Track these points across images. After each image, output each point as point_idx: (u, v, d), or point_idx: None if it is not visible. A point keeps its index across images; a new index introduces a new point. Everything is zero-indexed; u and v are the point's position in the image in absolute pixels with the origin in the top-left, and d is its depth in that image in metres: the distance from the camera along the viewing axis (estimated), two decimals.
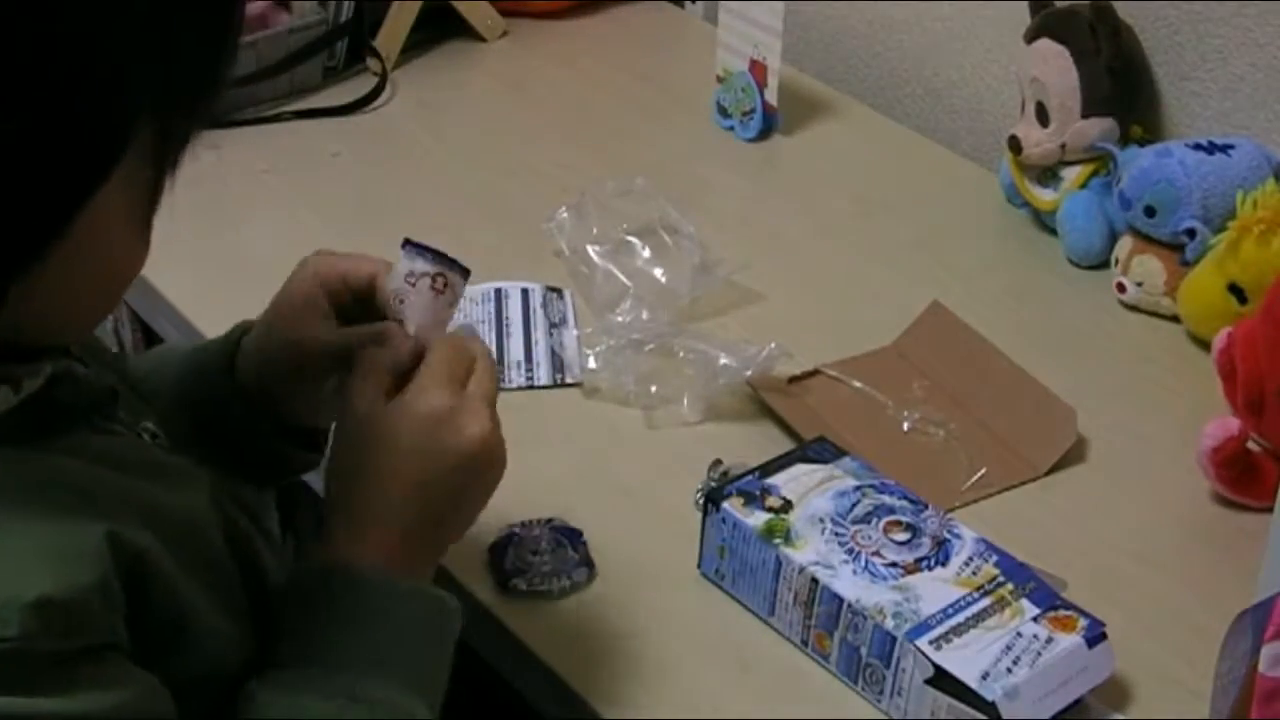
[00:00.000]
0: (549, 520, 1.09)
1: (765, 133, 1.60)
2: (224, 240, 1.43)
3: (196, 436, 0.92)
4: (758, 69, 1.57)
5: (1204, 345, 1.25)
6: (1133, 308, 1.36)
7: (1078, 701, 0.94)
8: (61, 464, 0.74)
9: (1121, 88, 1.41)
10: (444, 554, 0.90)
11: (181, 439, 0.90)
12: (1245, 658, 0.87)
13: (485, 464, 0.87)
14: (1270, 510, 0.97)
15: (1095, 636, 0.94)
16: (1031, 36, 1.44)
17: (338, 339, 0.93)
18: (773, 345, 1.20)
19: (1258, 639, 0.86)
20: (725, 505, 1.02)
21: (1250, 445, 1.14)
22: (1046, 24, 1.43)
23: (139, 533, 0.73)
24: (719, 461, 1.13)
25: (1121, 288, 1.35)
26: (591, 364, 1.23)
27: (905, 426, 1.20)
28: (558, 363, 1.26)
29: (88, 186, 0.70)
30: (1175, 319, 1.33)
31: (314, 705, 0.79)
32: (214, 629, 0.79)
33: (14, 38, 0.65)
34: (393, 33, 1.70)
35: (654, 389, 1.21)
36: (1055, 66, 1.40)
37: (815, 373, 1.25)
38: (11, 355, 0.73)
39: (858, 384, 1.24)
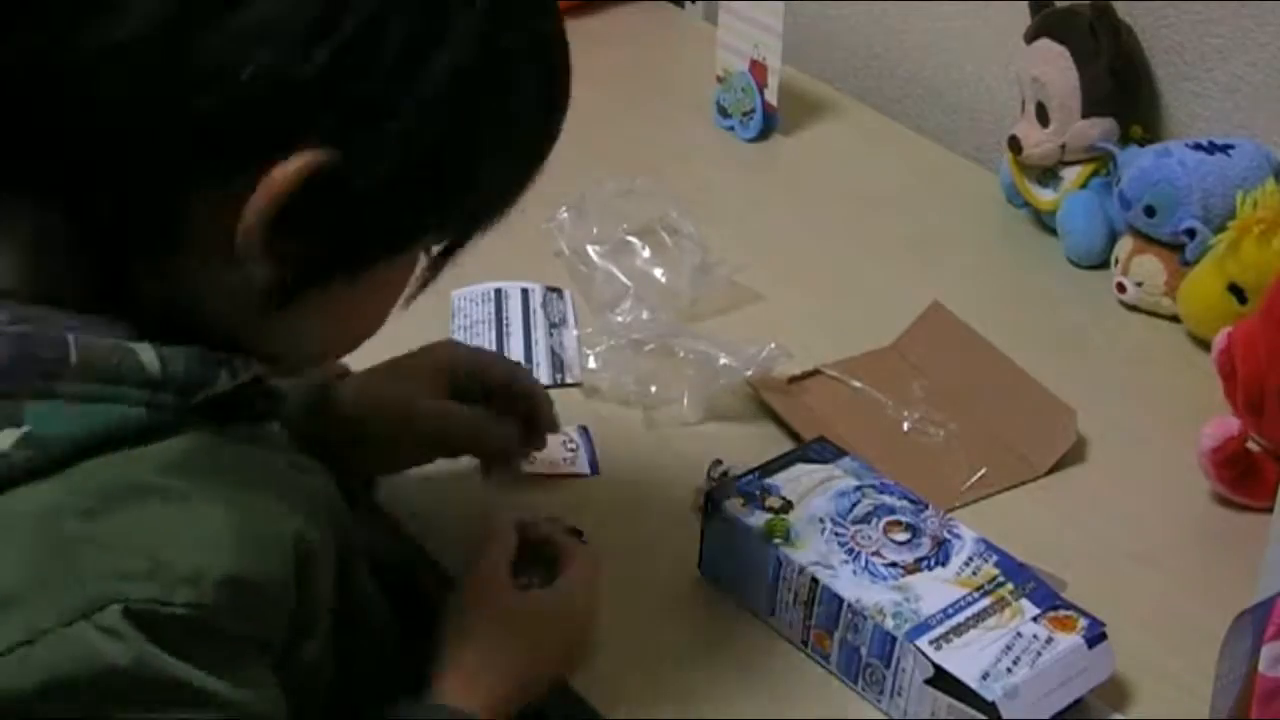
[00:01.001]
0: (551, 520, 1.09)
1: (765, 133, 1.60)
2: None
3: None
4: (758, 69, 1.57)
5: (1204, 345, 1.25)
6: (1133, 308, 1.36)
7: (1078, 701, 0.94)
8: (260, 453, 0.77)
9: (1121, 88, 1.41)
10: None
11: None
12: (1245, 658, 0.87)
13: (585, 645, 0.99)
14: (1270, 510, 0.97)
15: (1095, 636, 0.94)
16: (1031, 36, 1.44)
17: (461, 415, 1.04)
18: (773, 345, 1.21)
19: (1258, 639, 0.86)
20: (725, 505, 1.02)
21: (1250, 445, 1.14)
22: (1046, 24, 1.43)
23: (315, 533, 0.76)
24: (719, 462, 1.13)
25: (1121, 288, 1.35)
26: (591, 364, 1.23)
27: (905, 426, 1.20)
28: (558, 363, 1.26)
29: (400, 244, 0.76)
30: (1175, 319, 1.33)
31: None
32: (321, 647, 0.80)
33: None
34: None
35: (654, 389, 1.21)
36: (1055, 66, 1.40)
37: (815, 373, 1.25)
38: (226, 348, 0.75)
39: (858, 384, 1.24)
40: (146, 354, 0.70)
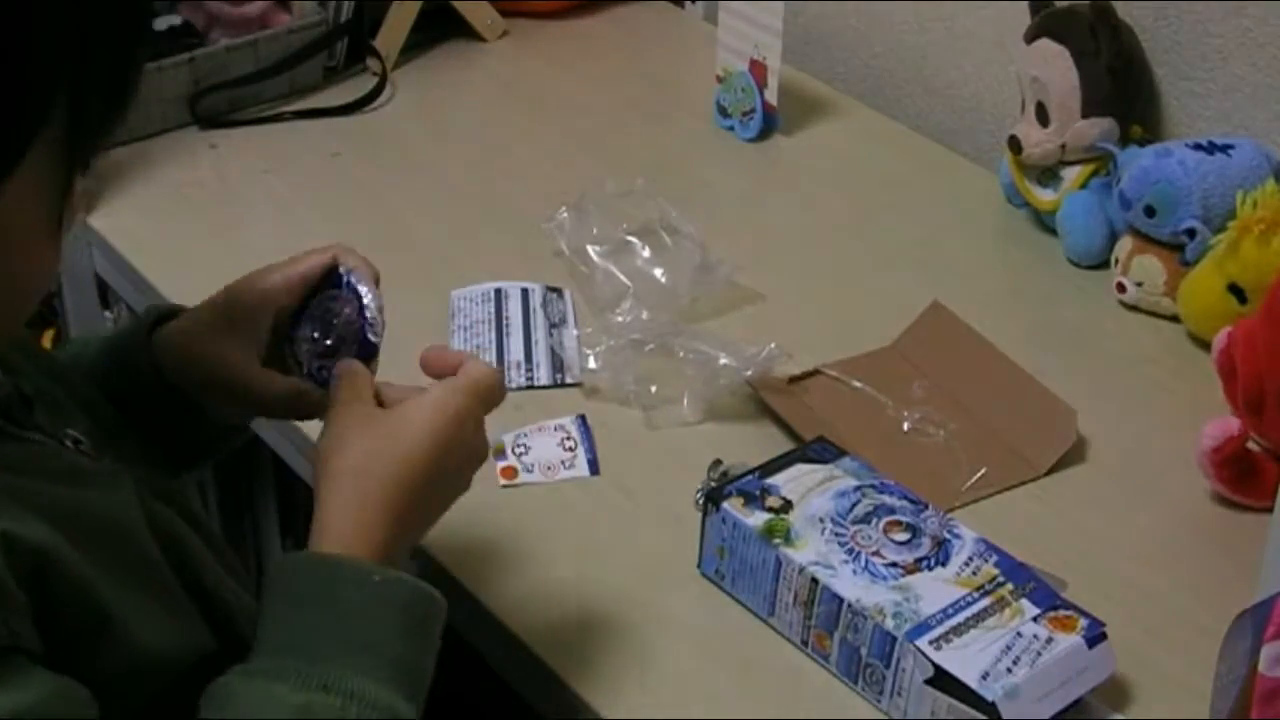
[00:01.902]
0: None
1: (765, 133, 1.60)
2: (224, 240, 1.43)
3: (116, 422, 0.93)
4: (758, 69, 1.57)
5: (1204, 345, 1.25)
6: (1133, 308, 1.35)
7: (1078, 701, 0.94)
8: None
9: (1121, 88, 1.41)
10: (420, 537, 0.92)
11: (105, 427, 0.90)
12: (1245, 658, 0.87)
13: (476, 463, 0.91)
14: (1270, 510, 0.97)
15: (1095, 636, 0.94)
16: (1031, 36, 1.44)
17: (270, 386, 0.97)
18: (773, 345, 1.20)
19: (1258, 639, 0.86)
20: (725, 505, 1.02)
21: (1250, 445, 1.14)
22: (1046, 24, 1.43)
23: (39, 531, 0.73)
24: (719, 461, 1.13)
25: (1121, 288, 1.35)
26: (591, 364, 1.23)
27: (905, 426, 1.20)
28: (558, 363, 1.26)
29: (11, 156, 0.69)
30: (1175, 319, 1.33)
31: (287, 695, 0.77)
32: (147, 626, 0.78)
33: None
34: (393, 33, 1.70)
35: (654, 389, 1.21)
36: (1055, 66, 1.40)
37: (815, 373, 1.25)
38: None
39: (858, 384, 1.24)
40: None
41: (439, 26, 1.76)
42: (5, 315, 0.77)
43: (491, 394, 0.92)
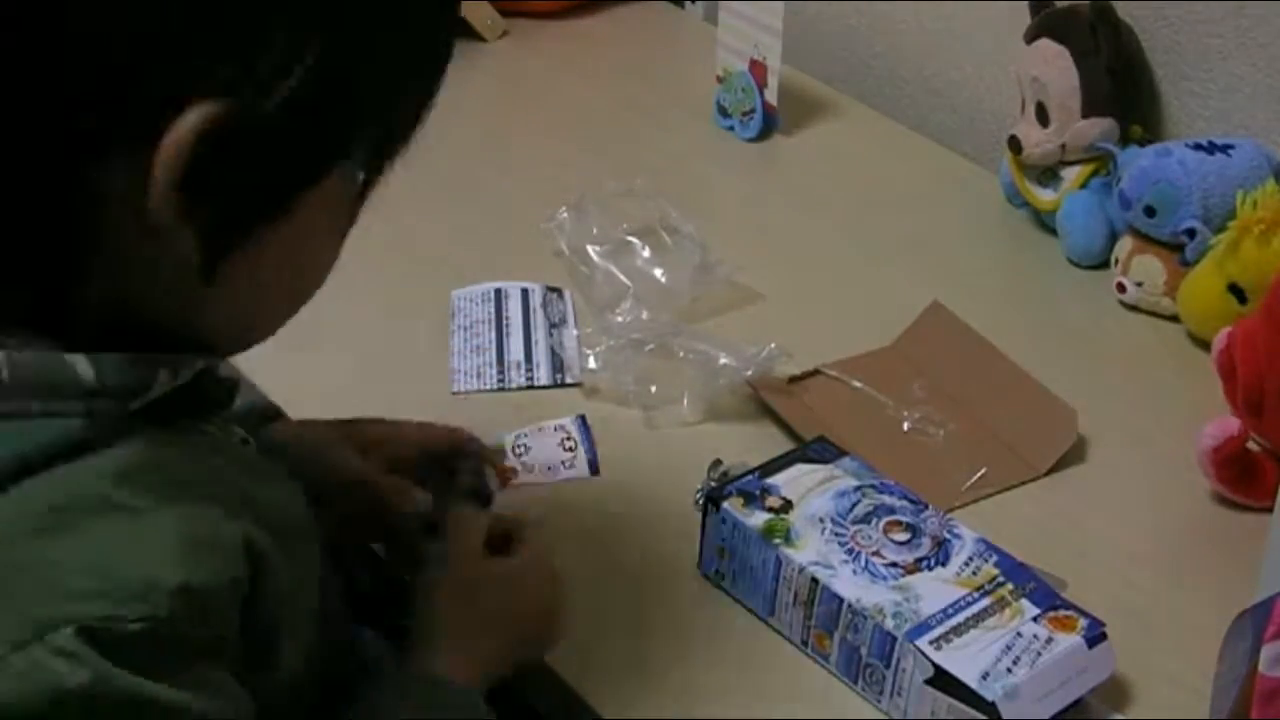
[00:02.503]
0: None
1: (765, 133, 1.60)
2: None
3: None
4: (758, 69, 1.57)
5: (1204, 345, 1.25)
6: (1133, 308, 1.36)
7: (1078, 701, 0.94)
8: (202, 459, 0.74)
9: (1121, 88, 1.41)
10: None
11: None
12: (1245, 658, 0.88)
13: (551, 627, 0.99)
14: (1270, 510, 0.97)
15: (1095, 636, 0.94)
16: (1031, 36, 1.44)
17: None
18: (773, 345, 1.20)
19: (1258, 639, 0.86)
20: (725, 505, 1.02)
21: (1250, 445, 1.14)
22: (1046, 24, 1.43)
23: (263, 536, 0.73)
24: (719, 461, 1.13)
25: (1121, 288, 1.35)
26: (591, 364, 1.23)
27: (905, 426, 1.20)
28: (558, 363, 1.26)
29: (315, 174, 0.72)
30: (1175, 319, 1.33)
31: None
32: (302, 624, 0.79)
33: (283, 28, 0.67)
34: None
35: (654, 389, 1.21)
36: (1055, 66, 1.40)
37: (815, 373, 1.25)
38: (167, 347, 0.73)
39: (858, 384, 1.24)
40: (81, 364, 0.69)
41: None
42: (274, 315, 0.79)
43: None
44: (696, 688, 0.99)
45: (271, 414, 1.02)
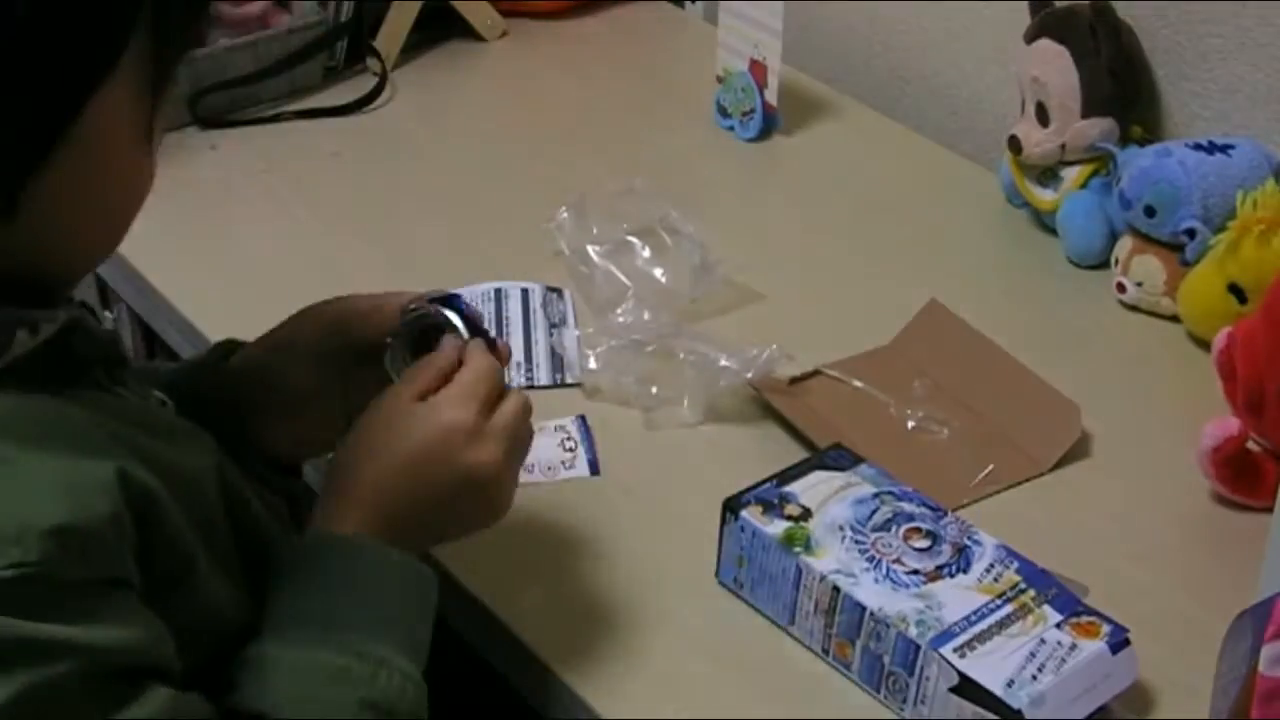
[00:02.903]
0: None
1: (765, 133, 1.60)
2: (224, 240, 1.43)
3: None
4: (758, 69, 1.57)
5: (1204, 345, 1.25)
6: (1133, 308, 1.35)
7: (1102, 708, 0.94)
8: (71, 410, 0.76)
9: (1121, 88, 1.41)
10: (435, 544, 0.94)
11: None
12: (1245, 658, 0.87)
13: (486, 493, 0.91)
14: (1270, 510, 0.97)
15: (1119, 642, 0.94)
16: (1031, 36, 1.44)
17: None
18: (774, 347, 1.20)
19: (1258, 639, 0.86)
20: (744, 514, 1.01)
21: (1250, 445, 1.14)
22: (1046, 24, 1.43)
23: (147, 475, 0.75)
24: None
25: (1121, 288, 1.35)
26: (592, 364, 1.23)
27: (909, 425, 1.20)
28: (558, 363, 1.26)
29: (91, 80, 0.72)
30: (1175, 319, 1.33)
31: (327, 659, 0.82)
32: (211, 584, 0.81)
33: None
34: (393, 33, 1.70)
35: (654, 390, 1.21)
36: (1055, 66, 1.40)
37: (816, 373, 1.25)
38: (28, 299, 0.75)
39: (858, 384, 1.24)
40: None
41: (439, 26, 1.76)
42: (102, 232, 0.80)
43: (488, 396, 0.92)
44: (698, 688, 0.99)
45: (230, 349, 1.03)
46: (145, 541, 0.74)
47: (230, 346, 1.03)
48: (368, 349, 0.97)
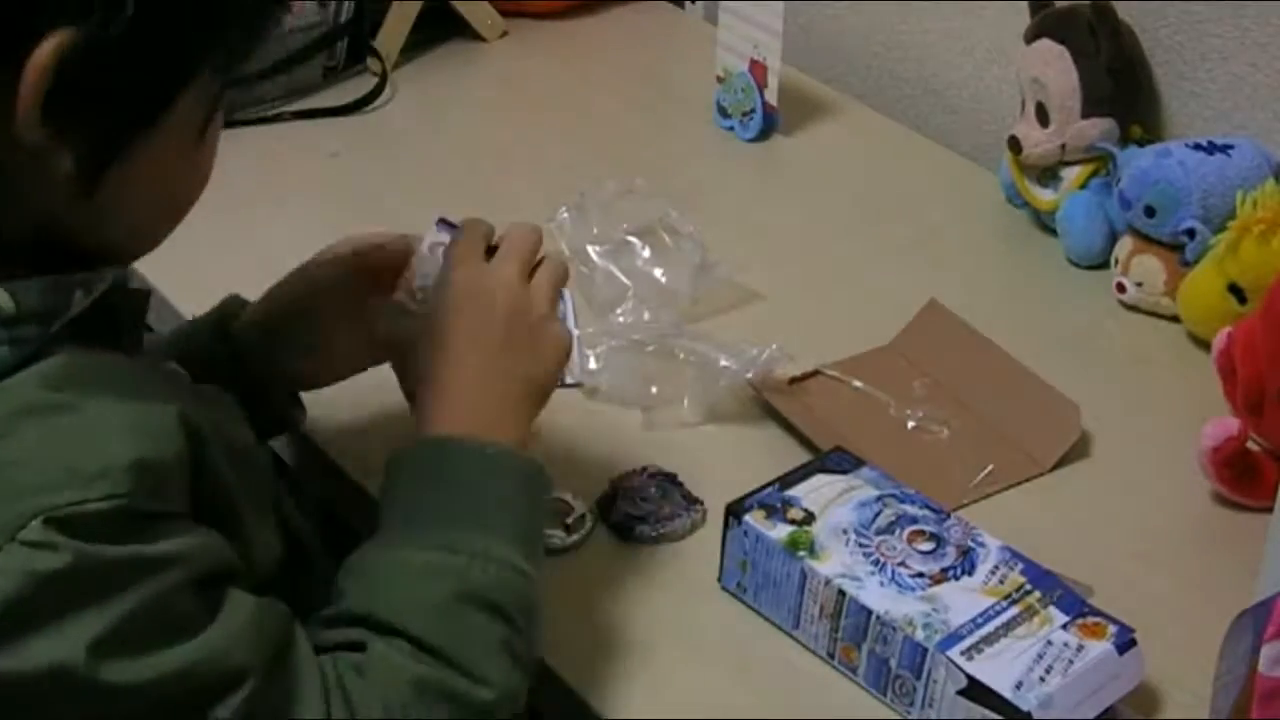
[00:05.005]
0: (644, 469, 1.12)
1: (765, 133, 1.60)
2: (223, 240, 1.43)
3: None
4: (758, 69, 1.57)
5: (1204, 345, 1.25)
6: (1133, 308, 1.35)
7: (1108, 709, 0.94)
8: (123, 360, 0.81)
9: (1121, 88, 1.41)
10: (532, 410, 0.96)
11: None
12: (1245, 658, 0.87)
13: (518, 314, 0.95)
14: (1270, 510, 0.97)
15: (1125, 643, 0.94)
16: (1031, 36, 1.44)
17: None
18: (774, 346, 1.20)
19: (1258, 639, 0.86)
20: (747, 518, 1.01)
21: (1250, 445, 1.14)
22: (1046, 24, 1.43)
23: (198, 415, 0.79)
24: None
25: (1121, 288, 1.35)
26: (592, 364, 1.23)
27: (909, 425, 1.20)
28: None
29: (186, 74, 0.78)
30: (1175, 319, 1.33)
31: (413, 555, 0.85)
32: (259, 532, 0.84)
33: None
34: (393, 33, 1.70)
35: (654, 390, 1.21)
36: (1055, 66, 1.40)
37: (815, 373, 1.25)
38: (77, 264, 0.79)
39: (858, 384, 1.24)
40: (1, 295, 0.74)
41: (439, 26, 1.76)
42: (163, 219, 0.86)
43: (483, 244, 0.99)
44: (696, 688, 0.99)
45: (235, 309, 1.09)
46: (197, 480, 0.78)
47: (233, 307, 1.09)
48: (388, 276, 1.03)
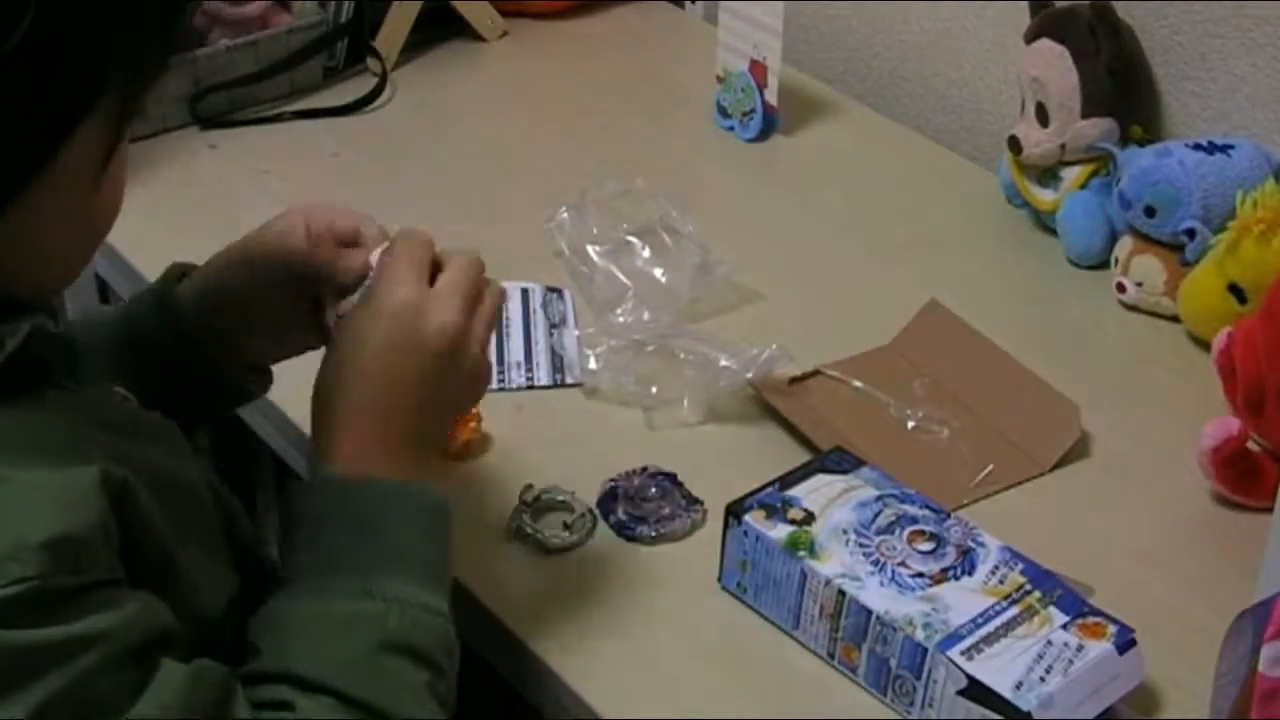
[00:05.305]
0: (644, 469, 1.12)
1: (765, 133, 1.60)
2: (223, 240, 1.42)
3: (137, 383, 0.95)
4: (758, 69, 1.57)
5: (1204, 345, 1.25)
6: (1133, 308, 1.35)
7: (1108, 708, 0.94)
8: (48, 416, 0.77)
9: (1121, 88, 1.41)
10: (439, 442, 0.95)
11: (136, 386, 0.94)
12: (1245, 658, 0.88)
13: (456, 353, 0.90)
14: (1270, 510, 0.97)
15: (1125, 643, 0.94)
16: (1031, 36, 1.44)
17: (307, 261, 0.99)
18: (774, 347, 1.20)
19: (1258, 639, 0.86)
20: (747, 518, 1.01)
21: (1250, 445, 1.14)
22: (1046, 24, 1.43)
23: (123, 471, 0.76)
24: (530, 486, 1.11)
25: (1121, 288, 1.35)
26: (592, 364, 1.23)
27: (909, 425, 1.20)
28: (558, 363, 1.26)
29: (73, 117, 0.74)
30: (1175, 319, 1.33)
31: (330, 606, 0.82)
32: (202, 581, 0.82)
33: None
34: (393, 33, 1.70)
35: (654, 390, 1.21)
36: (1055, 66, 1.40)
37: (815, 373, 1.25)
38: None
39: (858, 384, 1.24)
40: None
41: (439, 26, 1.76)
42: (72, 255, 0.82)
43: (421, 270, 0.91)
44: (698, 688, 0.99)
45: (175, 277, 1.05)
46: (125, 537, 0.75)
47: (172, 275, 1.05)
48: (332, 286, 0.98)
